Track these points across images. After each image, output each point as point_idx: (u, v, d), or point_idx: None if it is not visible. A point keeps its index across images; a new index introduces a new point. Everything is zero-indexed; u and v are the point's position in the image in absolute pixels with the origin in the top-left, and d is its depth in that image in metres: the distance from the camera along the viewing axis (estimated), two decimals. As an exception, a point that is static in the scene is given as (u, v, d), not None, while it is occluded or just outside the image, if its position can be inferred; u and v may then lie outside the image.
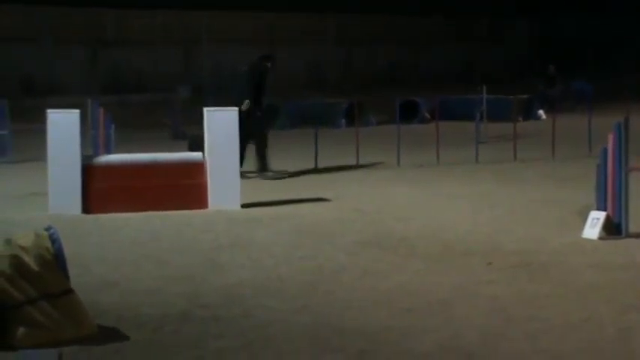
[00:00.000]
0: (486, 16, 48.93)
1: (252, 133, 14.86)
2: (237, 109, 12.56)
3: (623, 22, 47.10)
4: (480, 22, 49.04)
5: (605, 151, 9.59)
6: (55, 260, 6.39)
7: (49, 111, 11.87)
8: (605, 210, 9.54)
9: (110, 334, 6.49)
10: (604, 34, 47.64)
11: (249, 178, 14.57)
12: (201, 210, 11.60)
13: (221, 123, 11.96)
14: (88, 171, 11.75)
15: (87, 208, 11.56)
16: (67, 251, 6.64)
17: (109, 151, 15.17)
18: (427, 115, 25.55)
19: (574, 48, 46.91)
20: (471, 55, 47.59)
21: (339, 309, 7.11)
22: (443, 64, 46.40)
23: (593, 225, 9.50)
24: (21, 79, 36.26)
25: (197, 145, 15.21)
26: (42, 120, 11.97)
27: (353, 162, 16.20)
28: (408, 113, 24.93)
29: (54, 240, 6.45)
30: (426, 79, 43.11)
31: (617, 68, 42.49)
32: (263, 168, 15.06)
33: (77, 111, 11.90)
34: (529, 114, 26.38)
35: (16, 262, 6.29)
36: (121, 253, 9.22)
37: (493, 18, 49.30)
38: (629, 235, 9.45)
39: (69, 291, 6.43)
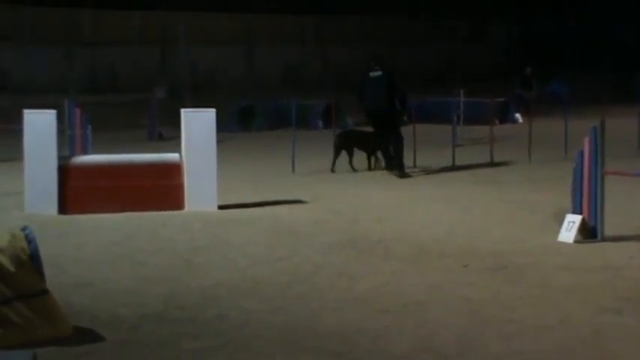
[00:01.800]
0: (466, 18, 49.10)
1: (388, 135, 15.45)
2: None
3: (600, 23, 47.40)
4: (459, 23, 49.20)
5: (581, 154, 9.65)
6: (30, 261, 6.36)
7: (25, 111, 11.82)
8: (580, 213, 9.59)
9: (86, 335, 6.47)
10: (581, 35, 47.92)
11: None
12: (178, 211, 11.57)
13: (198, 124, 11.93)
14: (65, 171, 11.69)
15: (63, 209, 11.51)
16: (43, 252, 6.61)
17: (85, 152, 15.11)
18: (404, 118, 25.58)
19: (552, 49, 47.16)
20: (450, 55, 47.74)
21: (315, 310, 7.12)
22: (422, 64, 46.51)
23: (569, 228, 9.55)
24: (-1, 78, 36.08)
25: (347, 140, 15.80)
26: (18, 120, 11.91)
27: (330, 163, 16.20)
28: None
29: (30, 240, 6.42)
30: (405, 80, 43.18)
31: (594, 69, 42.73)
32: (400, 167, 15.33)
33: (54, 111, 11.85)
34: (506, 117, 26.48)
35: (-9, 262, 6.26)
36: (97, 254, 9.19)
37: (472, 19, 49.48)
38: (604, 239, 9.51)
39: (44, 291, 6.40)
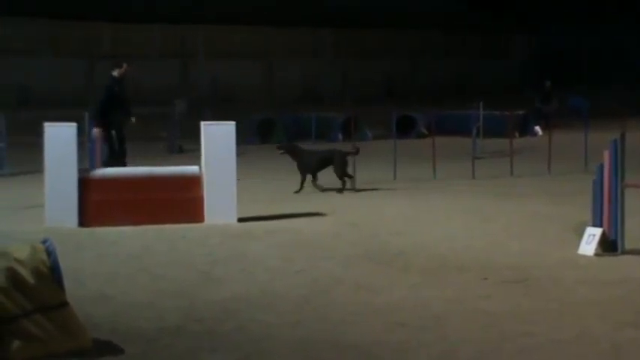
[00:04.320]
0: (484, 31, 49.07)
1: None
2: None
3: (619, 36, 47.30)
4: (478, 37, 49.17)
5: (602, 167, 9.61)
6: (51, 273, 6.39)
7: (46, 124, 11.89)
8: (601, 226, 9.55)
9: (105, 348, 6.49)
10: (600, 47, 47.83)
11: None
12: (198, 224, 11.60)
13: (218, 137, 11.97)
14: (85, 184, 11.75)
15: (83, 221, 11.56)
16: (63, 264, 6.64)
17: (105, 165, 15.16)
18: (424, 130, 25.61)
19: (570, 62, 47.09)
20: (467, 69, 47.73)
21: (334, 323, 7.12)
22: (439, 78, 46.52)
23: (589, 241, 9.51)
24: (19, 92, 36.31)
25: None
26: (39, 133, 11.98)
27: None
28: (405, 128, 25.01)
29: (50, 253, 6.45)
30: (423, 93, 43.21)
31: (613, 82, 42.62)
32: None
33: (74, 124, 11.92)
34: (525, 130, 26.44)
35: (12, 275, 6.29)
36: (116, 267, 9.22)
37: (490, 32, 49.43)
38: (624, 252, 9.46)
39: (64, 304, 6.42)
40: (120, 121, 15.60)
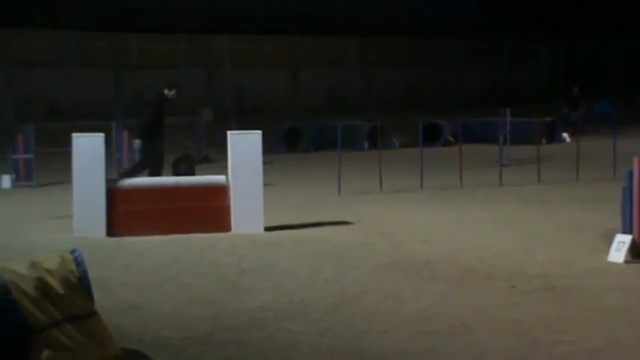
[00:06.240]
0: (512, 39, 48.89)
1: (148, 162, 15.18)
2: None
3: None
4: (504, 44, 48.99)
5: (631, 173, 9.54)
6: (79, 283, 6.41)
7: (74, 135, 11.96)
8: (630, 233, 9.48)
9: (133, 357, 6.50)
10: (628, 56, 47.58)
11: None
12: (225, 233, 11.62)
13: (244, 146, 11.99)
14: (113, 194, 11.80)
15: (111, 231, 11.60)
16: (91, 274, 6.66)
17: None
18: (450, 138, 25.56)
19: (598, 70, 46.87)
20: (495, 77, 47.57)
21: (361, 332, 7.10)
22: (466, 87, 46.39)
23: (619, 248, 9.44)
24: (47, 103, 36.58)
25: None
26: (67, 143, 12.06)
27: (376, 185, 16.19)
28: (431, 136, 24.96)
29: (79, 263, 6.48)
30: (449, 102, 43.12)
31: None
32: None
33: (102, 134, 11.99)
34: (553, 136, 26.32)
35: (42, 285, 6.31)
36: (144, 277, 9.24)
37: (517, 40, 49.26)
38: (654, 259, 9.38)
39: (93, 314, 6.44)
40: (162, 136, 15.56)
